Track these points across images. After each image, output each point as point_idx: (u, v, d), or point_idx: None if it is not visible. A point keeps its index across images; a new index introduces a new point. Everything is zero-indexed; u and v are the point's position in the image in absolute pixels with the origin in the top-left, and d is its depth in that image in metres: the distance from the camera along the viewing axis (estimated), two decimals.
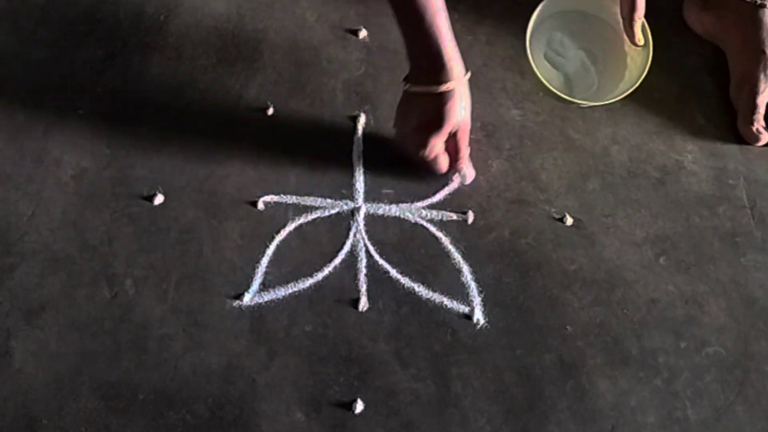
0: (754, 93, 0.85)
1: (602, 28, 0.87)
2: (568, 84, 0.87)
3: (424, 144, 0.77)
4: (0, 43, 0.88)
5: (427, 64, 0.74)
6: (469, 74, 0.76)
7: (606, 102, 0.84)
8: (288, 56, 0.88)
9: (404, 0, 0.73)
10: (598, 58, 0.88)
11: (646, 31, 0.83)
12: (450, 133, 0.77)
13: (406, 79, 0.77)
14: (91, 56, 0.87)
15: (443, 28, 0.73)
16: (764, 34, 0.86)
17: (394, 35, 0.86)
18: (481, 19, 0.92)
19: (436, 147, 0.78)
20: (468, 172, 0.81)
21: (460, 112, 0.75)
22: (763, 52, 0.86)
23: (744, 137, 0.86)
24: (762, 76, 0.85)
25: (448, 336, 0.75)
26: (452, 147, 0.79)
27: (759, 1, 0.86)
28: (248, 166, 0.82)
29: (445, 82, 0.74)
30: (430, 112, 0.75)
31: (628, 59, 0.87)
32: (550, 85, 0.83)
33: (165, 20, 0.90)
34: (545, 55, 0.88)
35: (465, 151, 0.79)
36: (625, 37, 0.84)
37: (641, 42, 0.82)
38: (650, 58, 0.83)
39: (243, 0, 0.92)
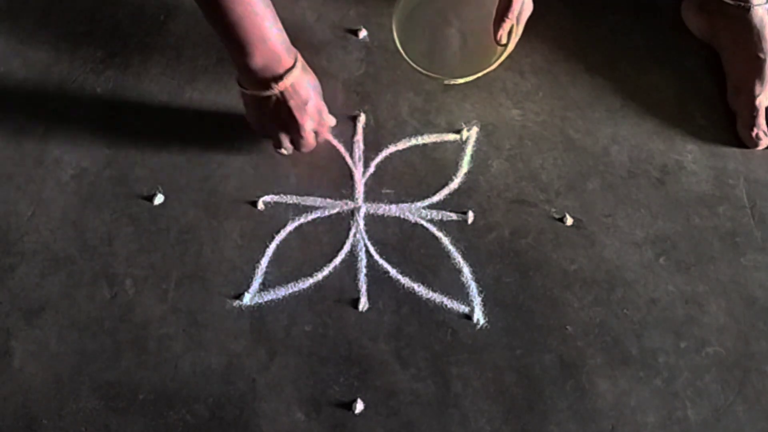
0: (751, 97, 0.85)
1: (482, 16, 0.83)
2: (439, 61, 0.84)
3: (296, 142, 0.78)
4: (0, 43, 0.88)
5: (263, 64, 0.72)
6: (299, 58, 0.75)
7: (456, 81, 0.81)
8: None
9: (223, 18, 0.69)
10: (469, 41, 0.84)
11: (512, 33, 0.81)
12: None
13: (240, 84, 0.75)
14: (91, 56, 0.88)
15: (265, 23, 0.71)
16: (756, 37, 0.86)
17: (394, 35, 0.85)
18: None
19: (309, 137, 0.78)
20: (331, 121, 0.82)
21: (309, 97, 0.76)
22: (757, 56, 0.86)
23: (744, 141, 0.86)
24: (758, 80, 0.85)
25: (448, 336, 0.75)
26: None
27: (743, 4, 0.86)
28: (248, 166, 0.82)
29: (286, 74, 0.73)
30: (283, 113, 0.75)
31: (498, 49, 0.83)
32: (412, 59, 0.81)
33: (165, 20, 0.90)
34: (423, 30, 0.85)
35: (327, 124, 0.80)
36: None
37: (502, 41, 0.80)
38: (503, 57, 0.81)
39: None
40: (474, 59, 0.83)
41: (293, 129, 0.77)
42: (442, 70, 0.82)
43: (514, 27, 0.80)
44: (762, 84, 0.85)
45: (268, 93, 0.73)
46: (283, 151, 0.79)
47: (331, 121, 0.81)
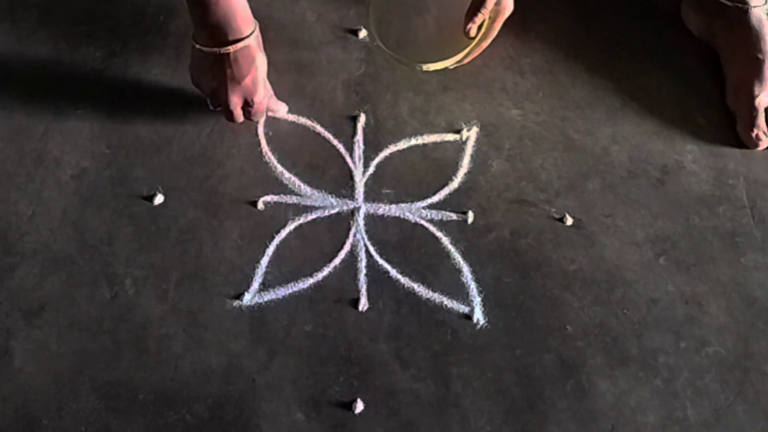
0: (750, 98, 0.85)
1: (462, 6, 0.81)
2: (412, 47, 0.83)
3: (230, 103, 0.77)
4: (0, 43, 0.88)
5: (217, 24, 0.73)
6: (258, 34, 0.76)
7: (425, 68, 0.82)
8: (288, 56, 0.89)
9: None
10: (444, 30, 0.83)
11: (482, 28, 0.80)
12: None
13: (195, 39, 0.76)
14: (91, 56, 0.87)
15: None
16: (754, 38, 0.86)
17: None
18: None
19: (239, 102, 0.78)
20: (280, 108, 0.84)
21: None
22: (756, 57, 0.85)
23: (744, 142, 0.86)
24: (756, 81, 0.85)
25: (448, 336, 0.75)
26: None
27: (741, 5, 0.86)
28: (248, 166, 0.82)
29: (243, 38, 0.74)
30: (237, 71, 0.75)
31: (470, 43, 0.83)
32: (385, 43, 0.82)
33: (165, 20, 0.90)
34: (399, 15, 0.84)
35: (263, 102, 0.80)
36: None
37: (471, 35, 0.79)
38: (473, 51, 0.81)
39: None
40: (447, 49, 0.82)
41: (221, 97, 0.77)
42: (414, 55, 0.82)
43: (486, 23, 0.80)
44: (761, 84, 0.85)
45: (210, 50, 0.74)
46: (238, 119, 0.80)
47: (278, 107, 0.83)
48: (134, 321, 0.74)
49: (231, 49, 0.74)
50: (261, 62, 0.77)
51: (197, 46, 0.76)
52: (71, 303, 0.75)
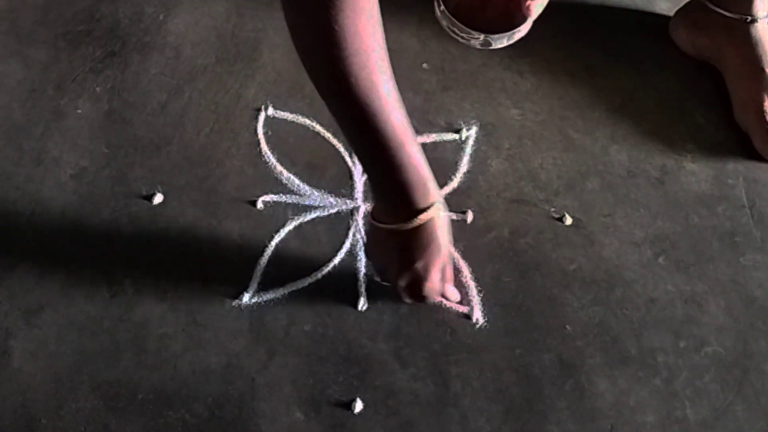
0: (761, 113, 0.83)
1: None
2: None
3: (432, 281, 0.69)
4: (0, 43, 0.88)
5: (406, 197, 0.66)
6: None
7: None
8: (287, 56, 0.89)
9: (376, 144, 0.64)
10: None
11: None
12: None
13: (376, 218, 0.69)
14: (90, 56, 0.88)
15: (418, 157, 0.65)
16: (760, 50, 0.84)
17: (393, 34, 0.85)
18: None
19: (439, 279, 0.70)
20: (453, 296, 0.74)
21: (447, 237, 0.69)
22: (763, 70, 0.83)
23: (764, 156, 0.84)
24: (766, 95, 0.83)
25: (447, 335, 0.75)
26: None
27: (749, 17, 0.84)
28: (248, 166, 0.82)
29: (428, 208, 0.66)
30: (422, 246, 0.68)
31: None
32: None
33: (164, 19, 0.90)
34: None
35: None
36: None
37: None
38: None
39: None
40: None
41: (422, 267, 0.68)
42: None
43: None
44: None
45: (411, 225, 0.66)
46: (407, 300, 0.71)
47: (452, 296, 0.74)
48: (133, 321, 0.74)
49: (432, 214, 0.66)
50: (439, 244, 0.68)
51: (391, 227, 0.68)
52: (70, 302, 0.75)
